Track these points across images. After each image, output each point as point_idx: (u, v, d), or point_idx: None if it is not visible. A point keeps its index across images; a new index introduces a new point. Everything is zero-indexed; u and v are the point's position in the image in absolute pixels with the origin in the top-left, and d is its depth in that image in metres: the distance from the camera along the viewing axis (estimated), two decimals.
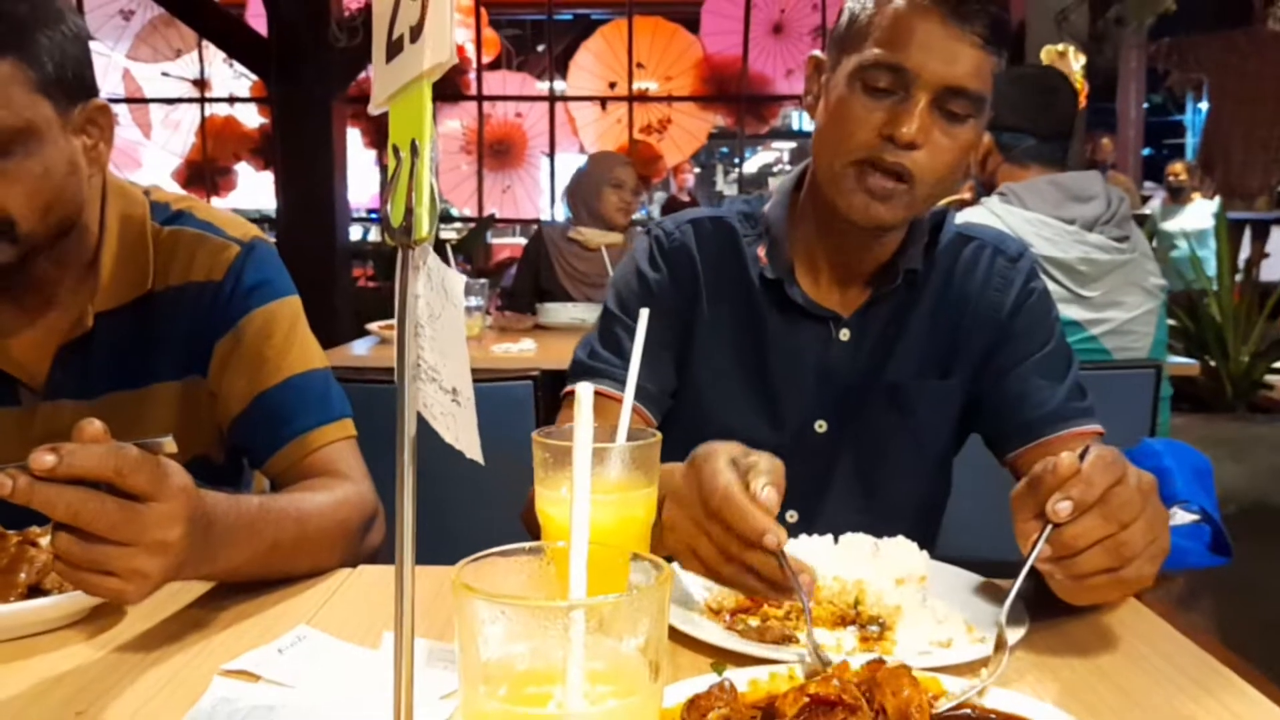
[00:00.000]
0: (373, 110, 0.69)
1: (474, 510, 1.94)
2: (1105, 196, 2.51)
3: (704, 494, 0.98)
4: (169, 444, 1.00)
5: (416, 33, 0.63)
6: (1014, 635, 1.03)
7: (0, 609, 1.05)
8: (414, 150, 0.63)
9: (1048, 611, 1.10)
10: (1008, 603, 0.99)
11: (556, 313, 4.12)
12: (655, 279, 1.50)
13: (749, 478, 0.99)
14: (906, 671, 0.85)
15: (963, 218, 1.59)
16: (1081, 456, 0.97)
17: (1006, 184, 2.53)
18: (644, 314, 1.05)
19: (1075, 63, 7.03)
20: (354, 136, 8.78)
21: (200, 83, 9.53)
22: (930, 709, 0.86)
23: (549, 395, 2.20)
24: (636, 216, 4.73)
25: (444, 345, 0.63)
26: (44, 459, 0.89)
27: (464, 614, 0.57)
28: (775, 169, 16.35)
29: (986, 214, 2.43)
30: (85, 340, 1.38)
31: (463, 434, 0.64)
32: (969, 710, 0.88)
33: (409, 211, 0.63)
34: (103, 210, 1.40)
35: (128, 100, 9.43)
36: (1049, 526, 0.96)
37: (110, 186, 1.42)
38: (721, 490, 0.97)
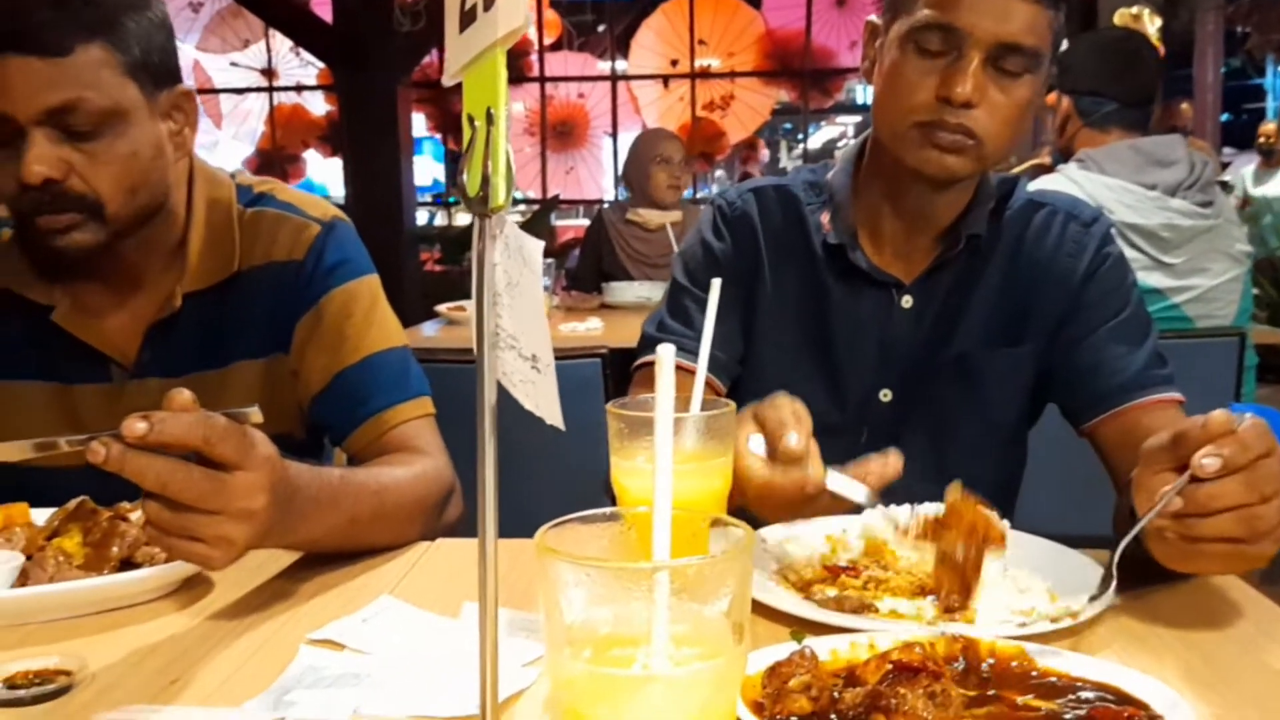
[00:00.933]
0: (447, 81, 0.69)
1: (546, 487, 1.96)
2: (1188, 161, 2.44)
3: (741, 489, 1.06)
4: (255, 414, 1.02)
5: (489, 1, 0.64)
6: (1102, 601, 1.01)
7: (95, 581, 1.09)
8: (489, 118, 0.63)
9: (1133, 581, 1.08)
10: (1122, 544, 0.99)
11: (622, 291, 4.13)
12: (720, 248, 1.50)
13: (775, 440, 1.07)
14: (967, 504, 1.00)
15: (1039, 185, 1.56)
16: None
17: (1085, 150, 2.48)
18: (716, 284, 1.05)
19: (1150, 25, 6.83)
20: (418, 121, 8.86)
21: (268, 72, 9.69)
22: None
23: (617, 373, 2.21)
24: (702, 195, 4.73)
25: (522, 312, 0.64)
26: (136, 426, 0.92)
27: (549, 577, 0.57)
28: (840, 144, 16.14)
29: (1065, 181, 2.38)
30: (173, 320, 1.41)
31: (543, 401, 0.64)
32: (1055, 678, 0.87)
33: (485, 180, 0.63)
34: (190, 194, 1.43)
35: (198, 91, 9.61)
36: (1185, 479, 0.92)
37: (197, 171, 1.45)
38: (747, 479, 1.06)
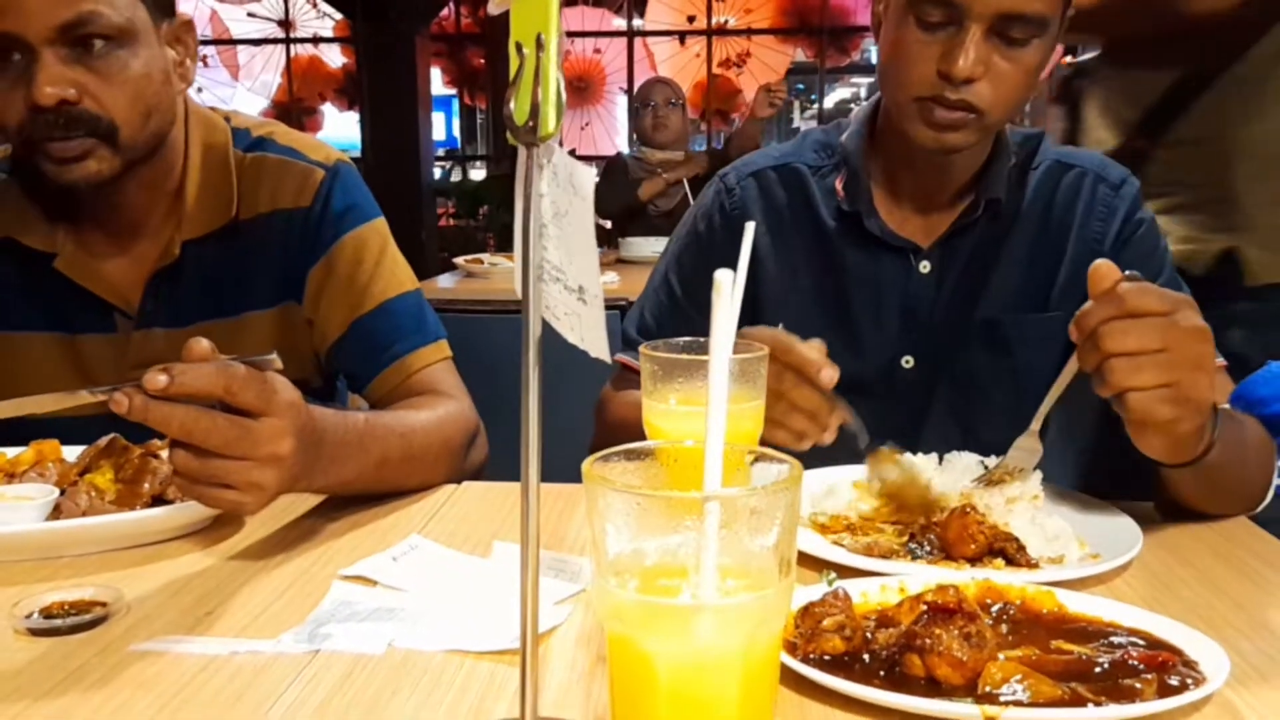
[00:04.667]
0: (493, 10, 0.69)
1: (565, 435, 1.96)
2: None
3: (757, 338, 1.07)
4: (275, 361, 1.02)
5: None
6: (1128, 552, 1.02)
7: (130, 515, 1.10)
8: (539, 45, 0.62)
9: (1163, 530, 1.09)
10: (1043, 409, 1.16)
11: (639, 246, 4.18)
12: (708, 241, 1.51)
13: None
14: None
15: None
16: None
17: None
18: (749, 227, 1.03)
19: None
20: (433, 76, 8.77)
21: (285, 23, 9.60)
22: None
23: None
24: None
25: (571, 243, 0.63)
26: (157, 379, 0.92)
27: (597, 507, 0.57)
28: (853, 105, 15.94)
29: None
30: (174, 269, 1.40)
31: (588, 334, 0.64)
32: (1087, 623, 0.87)
33: (534, 108, 0.62)
34: (186, 136, 1.42)
35: (215, 42, 9.53)
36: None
37: (192, 113, 1.43)
38: (771, 335, 1.09)
